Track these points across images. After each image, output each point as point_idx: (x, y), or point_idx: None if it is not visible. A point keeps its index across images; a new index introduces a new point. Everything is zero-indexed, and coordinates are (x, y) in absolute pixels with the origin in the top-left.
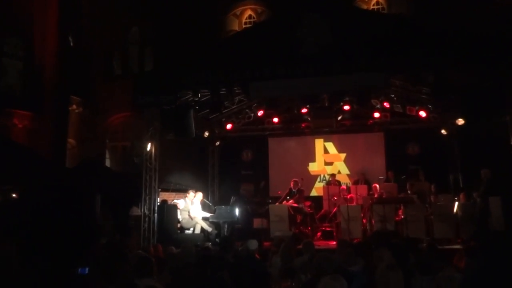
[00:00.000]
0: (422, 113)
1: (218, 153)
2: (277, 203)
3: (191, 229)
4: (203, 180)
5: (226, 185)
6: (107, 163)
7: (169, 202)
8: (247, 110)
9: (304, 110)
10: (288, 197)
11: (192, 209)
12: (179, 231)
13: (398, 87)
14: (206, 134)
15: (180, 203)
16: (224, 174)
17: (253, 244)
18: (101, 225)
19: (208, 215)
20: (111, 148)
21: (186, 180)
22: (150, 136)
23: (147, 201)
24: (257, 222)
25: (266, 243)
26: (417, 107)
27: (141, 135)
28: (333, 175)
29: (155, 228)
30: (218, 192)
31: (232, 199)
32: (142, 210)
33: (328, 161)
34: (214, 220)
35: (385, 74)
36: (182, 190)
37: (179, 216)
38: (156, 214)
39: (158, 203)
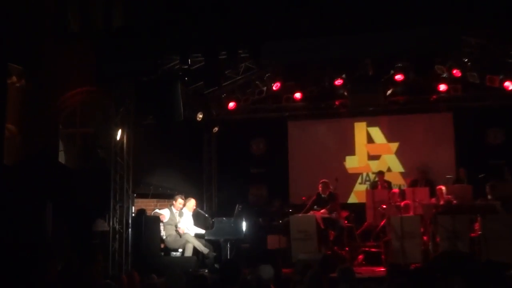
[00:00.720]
0: (509, 85)
1: (217, 143)
2: (300, 214)
3: (180, 250)
4: (196, 182)
5: (229, 188)
6: (61, 158)
7: (148, 212)
8: (257, 83)
9: (338, 82)
10: (316, 206)
11: (181, 223)
12: (162, 253)
13: (475, 47)
14: (200, 116)
15: (165, 213)
16: (226, 173)
17: (267, 271)
18: (52, 245)
19: (203, 231)
20: (66, 137)
21: (172, 181)
22: (120, 120)
23: (118, 212)
24: (272, 241)
25: (286, 270)
26: (501, 77)
27: (108, 118)
28: (380, 174)
29: (129, 249)
30: (217, 198)
31: (237, 208)
32: (111, 223)
33: (373, 153)
34: (212, 238)
35: (458, 28)
36: (167, 196)
37: (163, 232)
38: (130, 230)
39: (133, 214)
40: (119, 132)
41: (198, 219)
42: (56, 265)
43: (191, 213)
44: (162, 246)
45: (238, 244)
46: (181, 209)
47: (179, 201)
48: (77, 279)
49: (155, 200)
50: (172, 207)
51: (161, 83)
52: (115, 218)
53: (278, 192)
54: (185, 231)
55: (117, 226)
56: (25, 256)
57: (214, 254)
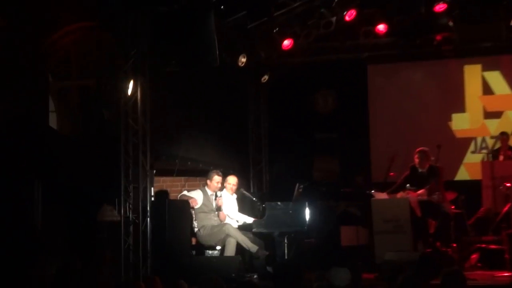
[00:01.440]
0: None
1: (267, 98)
2: (388, 196)
3: (218, 247)
4: (239, 153)
5: (285, 161)
6: (52, 121)
7: (173, 195)
8: (323, 11)
9: (440, 7)
10: (410, 184)
11: (220, 209)
12: (194, 252)
13: None
14: (243, 61)
15: (196, 197)
16: (280, 140)
17: (342, 277)
18: (42, 241)
19: (250, 219)
20: (58, 93)
21: (205, 153)
22: (132, 68)
23: (131, 195)
24: (348, 234)
25: (368, 276)
26: None
27: (114, 66)
28: (503, 138)
29: (148, 247)
30: (268, 175)
31: (298, 188)
32: (123, 211)
33: (491, 109)
34: (263, 230)
35: None
36: (199, 173)
37: (194, 223)
38: (148, 220)
39: (153, 198)
40: (131, 84)
41: (242, 205)
42: (47, 268)
43: (232, 196)
44: (194, 241)
45: (299, 239)
46: (219, 190)
47: (216, 178)
48: (77, 287)
49: (182, 178)
50: (206, 187)
51: (187, 14)
52: (127, 204)
53: (355, 165)
54: (226, 221)
55: (130, 215)
56: (6, 256)
57: (266, 253)
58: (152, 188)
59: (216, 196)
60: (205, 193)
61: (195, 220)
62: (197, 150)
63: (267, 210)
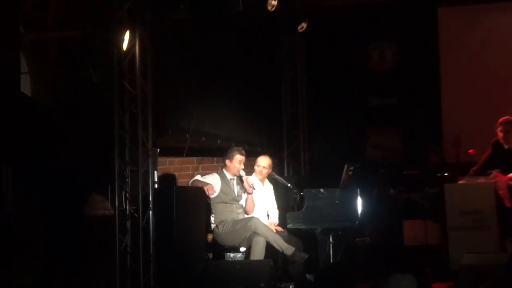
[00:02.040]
0: None
1: (305, 53)
2: (465, 180)
3: (242, 248)
4: (268, 127)
5: (329, 135)
6: (24, 85)
7: (182, 181)
8: None
9: None
10: (493, 165)
11: (244, 197)
12: (211, 255)
13: None
14: (273, 3)
15: (213, 182)
16: (322, 109)
17: (405, 286)
18: (14, 239)
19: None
20: (32, 48)
21: (224, 126)
22: (128, 16)
23: (128, 181)
24: (414, 230)
25: (440, 285)
26: None
27: (105, 13)
28: None
29: (151, 248)
30: (307, 154)
31: (346, 170)
32: (117, 202)
33: None
34: (301, 226)
35: None
36: (216, 152)
37: (212, 218)
38: (151, 213)
39: (156, 184)
40: (127, 36)
41: (275, 192)
42: (23, 276)
43: (261, 182)
44: (210, 240)
45: (348, 238)
46: (243, 173)
47: (238, 158)
48: None
49: (194, 159)
50: (225, 170)
51: None
52: (124, 193)
53: (422, 140)
54: (253, 212)
55: (127, 208)
56: None
57: (305, 256)
58: (156, 172)
59: (240, 178)
60: (223, 177)
61: (212, 213)
62: (214, 122)
63: (306, 200)
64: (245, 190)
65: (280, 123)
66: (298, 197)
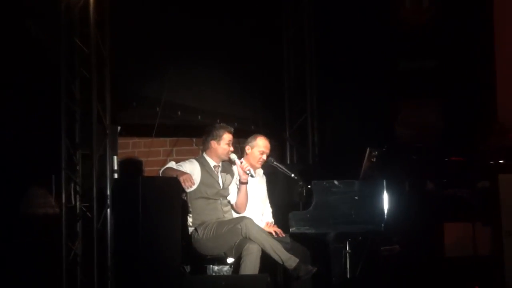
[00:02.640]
0: None
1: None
2: None
3: (230, 259)
4: (266, 99)
5: (344, 110)
6: None
7: (150, 170)
8: None
9: None
10: None
11: (233, 191)
12: (188, 266)
13: None
14: None
15: (191, 171)
16: (336, 75)
17: None
18: None
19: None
20: None
21: (207, 96)
22: None
23: (79, 169)
24: (457, 236)
25: None
26: None
27: None
28: None
29: (108, 258)
30: (315, 135)
31: (369, 155)
32: (64, 198)
33: None
34: (308, 230)
35: None
36: (195, 130)
37: (190, 218)
38: (108, 212)
39: (116, 174)
40: None
41: (272, 186)
42: None
43: (258, 172)
44: (187, 249)
45: (371, 246)
46: (232, 160)
47: (226, 138)
48: None
49: (167, 140)
50: (206, 155)
51: None
52: (72, 185)
53: (470, 114)
54: (246, 211)
55: (78, 205)
56: None
57: (313, 269)
58: (115, 158)
59: (231, 161)
60: (205, 164)
61: (190, 212)
62: (193, 92)
63: (315, 195)
64: (238, 180)
65: (280, 93)
66: (304, 191)
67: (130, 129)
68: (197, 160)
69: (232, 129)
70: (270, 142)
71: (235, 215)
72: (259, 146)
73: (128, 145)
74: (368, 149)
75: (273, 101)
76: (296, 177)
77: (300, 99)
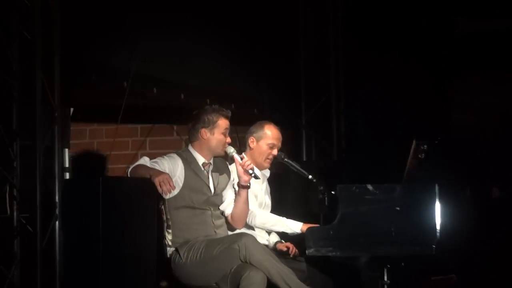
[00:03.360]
0: None
1: None
2: None
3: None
4: (272, 71)
5: (381, 87)
6: None
7: (113, 167)
8: None
9: None
10: None
11: (229, 199)
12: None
13: None
14: None
15: (171, 169)
16: (371, 40)
17: None
18: None
19: (297, 225)
20: None
21: (193, 69)
22: None
23: (17, 166)
24: None
25: None
26: None
27: None
28: None
29: (58, 285)
30: (341, 119)
31: (415, 149)
32: None
33: None
34: (330, 253)
35: None
36: (176, 114)
37: (169, 235)
38: (57, 224)
39: (68, 174)
40: None
41: (284, 192)
42: None
43: (263, 173)
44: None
45: (418, 275)
46: (229, 156)
47: (222, 125)
48: None
49: (137, 127)
50: (193, 149)
51: None
52: (8, 189)
53: None
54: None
55: (15, 215)
56: None
57: None
58: (67, 151)
59: (227, 157)
60: (191, 162)
61: (169, 227)
62: (174, 62)
63: (340, 204)
64: (237, 183)
65: (294, 65)
66: (326, 199)
67: (88, 112)
68: (179, 155)
69: (230, 113)
70: (281, 132)
71: (230, 231)
72: (268, 137)
73: (85, 133)
74: (414, 142)
75: (284, 75)
76: (314, 179)
77: (321, 73)
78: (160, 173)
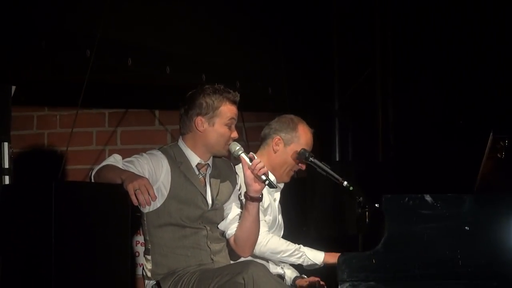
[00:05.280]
0: None
1: None
2: None
3: None
4: (291, 38)
5: (442, 63)
6: None
7: (71, 168)
8: None
9: None
10: None
11: (233, 214)
12: None
13: None
14: None
15: (152, 171)
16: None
17: None
18: None
19: (316, 255)
20: None
21: (182, 33)
22: None
23: None
24: None
25: None
26: None
27: None
28: None
29: None
30: (388, 106)
31: (492, 147)
32: None
33: None
34: (377, 286)
35: None
36: (161, 93)
37: (147, 262)
38: None
39: (7, 178)
40: None
41: (308, 199)
42: None
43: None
44: None
45: None
46: (233, 155)
47: (224, 111)
48: None
49: (104, 112)
50: (183, 144)
51: None
52: None
53: None
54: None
55: None
56: None
57: None
58: (7, 145)
59: (232, 156)
60: (181, 162)
61: (148, 252)
62: (157, 24)
63: (387, 221)
64: (244, 193)
65: (322, 30)
66: (366, 213)
67: (35, 92)
68: (164, 152)
69: (238, 97)
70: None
71: (233, 260)
72: (301, 143)
73: (31, 121)
74: (491, 137)
75: (309, 43)
76: (351, 188)
77: (361, 41)
78: (136, 177)
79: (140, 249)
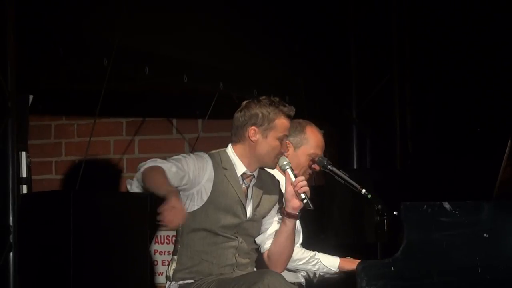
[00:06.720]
0: None
1: None
2: None
3: None
4: (311, 45)
5: (462, 78)
6: None
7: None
8: None
9: None
10: None
11: (271, 230)
12: None
13: None
14: None
15: (197, 173)
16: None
17: None
18: None
19: (331, 261)
20: None
21: (201, 41)
22: None
23: None
24: None
25: None
26: None
27: None
28: None
29: None
30: (406, 113)
31: None
32: None
33: None
34: None
35: None
36: (176, 103)
37: (173, 262)
38: (11, 255)
39: (25, 187)
40: None
41: (325, 208)
42: None
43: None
44: None
45: None
46: (283, 169)
47: (279, 125)
48: None
49: (123, 122)
50: (232, 152)
51: None
52: None
53: None
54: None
55: None
56: None
57: None
58: (24, 155)
59: (281, 170)
60: (226, 168)
61: (175, 251)
62: (177, 31)
63: (406, 229)
64: (282, 209)
65: (341, 38)
66: (385, 221)
67: (53, 101)
68: (211, 156)
69: (293, 111)
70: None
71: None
72: (311, 145)
73: (49, 130)
74: (509, 143)
75: (327, 51)
76: (369, 195)
77: (380, 49)
78: (177, 199)
79: (158, 258)
